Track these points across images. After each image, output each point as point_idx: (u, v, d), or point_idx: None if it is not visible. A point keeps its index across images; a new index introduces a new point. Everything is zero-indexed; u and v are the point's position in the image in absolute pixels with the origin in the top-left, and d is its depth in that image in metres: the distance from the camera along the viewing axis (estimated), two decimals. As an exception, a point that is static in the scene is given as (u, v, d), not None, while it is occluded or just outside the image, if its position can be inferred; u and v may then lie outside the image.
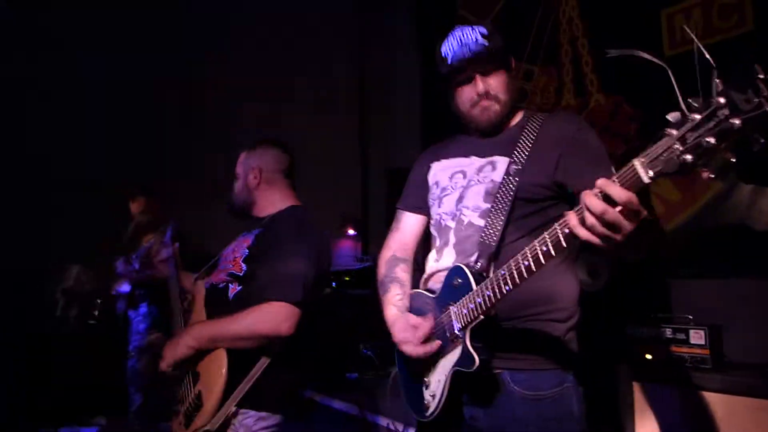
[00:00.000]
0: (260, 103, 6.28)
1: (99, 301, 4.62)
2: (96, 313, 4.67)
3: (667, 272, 3.73)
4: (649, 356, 2.64)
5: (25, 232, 4.68)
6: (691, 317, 2.64)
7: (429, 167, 1.87)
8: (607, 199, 1.03)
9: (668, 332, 2.61)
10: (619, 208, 1.02)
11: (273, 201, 2.17)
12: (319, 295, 2.05)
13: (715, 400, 2.34)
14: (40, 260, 4.60)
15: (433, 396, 1.55)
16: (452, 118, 1.83)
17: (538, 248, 1.23)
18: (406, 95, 6.87)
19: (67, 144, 5.01)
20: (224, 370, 1.81)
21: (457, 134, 1.87)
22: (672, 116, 0.95)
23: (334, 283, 6.35)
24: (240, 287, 1.97)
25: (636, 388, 2.61)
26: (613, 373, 2.69)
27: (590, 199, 1.04)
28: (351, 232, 7.36)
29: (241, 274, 1.98)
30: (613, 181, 1.03)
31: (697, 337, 2.51)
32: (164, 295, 3.87)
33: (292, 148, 2.33)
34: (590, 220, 1.05)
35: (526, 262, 1.26)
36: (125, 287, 3.97)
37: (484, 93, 1.64)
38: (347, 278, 6.25)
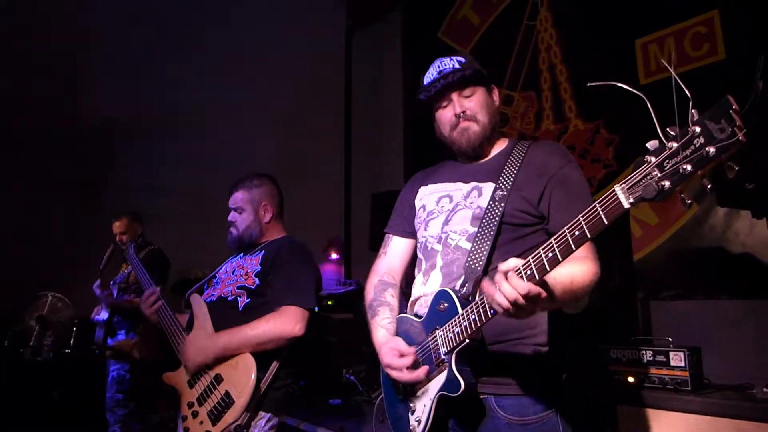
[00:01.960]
0: (246, 128, 6.30)
1: (75, 329, 4.53)
2: (71, 341, 4.57)
3: (646, 294, 3.79)
4: (631, 379, 2.65)
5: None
6: (670, 339, 2.66)
7: (416, 191, 1.89)
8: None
9: (648, 355, 2.62)
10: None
11: (273, 233, 2.40)
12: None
13: (695, 422, 2.35)
14: (14, 287, 4.51)
15: (419, 421, 1.54)
16: (435, 144, 1.87)
17: (523, 273, 1.24)
18: (390, 121, 6.93)
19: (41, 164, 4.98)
20: (254, 373, 1.98)
21: (447, 160, 1.91)
22: (650, 144, 0.98)
23: (317, 308, 6.28)
24: (249, 299, 2.16)
25: (619, 411, 2.61)
26: (595, 396, 2.70)
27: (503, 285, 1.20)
28: (334, 255, 7.34)
29: (253, 288, 2.17)
30: (594, 207, 1.06)
31: (676, 359, 2.53)
32: (143, 322, 3.84)
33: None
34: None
35: None
36: (103, 314, 3.89)
37: (462, 113, 1.68)
38: (330, 302, 6.21)
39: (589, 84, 1.24)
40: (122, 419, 3.79)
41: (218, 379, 2.06)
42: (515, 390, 1.51)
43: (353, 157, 7.65)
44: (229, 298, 2.19)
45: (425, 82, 1.73)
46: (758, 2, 3.57)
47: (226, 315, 2.14)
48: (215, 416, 1.99)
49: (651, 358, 2.61)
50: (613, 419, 2.61)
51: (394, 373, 1.56)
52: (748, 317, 3.04)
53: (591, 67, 4.56)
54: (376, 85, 7.40)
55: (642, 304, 3.58)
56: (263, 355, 2.04)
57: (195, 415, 2.06)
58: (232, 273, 2.29)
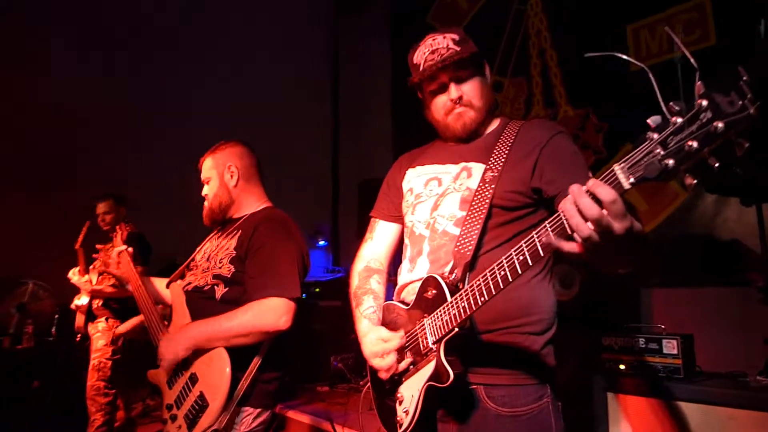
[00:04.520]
0: (234, 118, 6.19)
1: (56, 317, 4.45)
2: (53, 329, 4.50)
3: (636, 282, 3.77)
4: (622, 366, 2.62)
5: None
6: (663, 327, 2.64)
7: (404, 174, 1.81)
8: (597, 202, 0.96)
9: (641, 342, 2.60)
10: (605, 212, 0.96)
11: (250, 200, 2.16)
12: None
13: (688, 409, 2.33)
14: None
15: (406, 412, 1.48)
16: (423, 129, 1.79)
17: (515, 258, 1.18)
18: (377, 107, 6.86)
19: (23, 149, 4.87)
20: (228, 369, 1.81)
21: (436, 140, 1.83)
22: (652, 120, 0.92)
23: (304, 294, 6.24)
24: (227, 288, 1.97)
25: (610, 398, 2.59)
26: (587, 384, 2.67)
27: (583, 200, 0.96)
28: (322, 243, 7.28)
29: (229, 276, 1.97)
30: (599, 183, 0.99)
31: (669, 346, 2.51)
32: (124, 307, 3.77)
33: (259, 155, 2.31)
34: (578, 224, 0.98)
35: (503, 272, 1.21)
36: (83, 300, 3.80)
37: (458, 98, 1.60)
38: (317, 289, 6.16)
39: (590, 55, 1.17)
40: (103, 408, 3.72)
41: (193, 379, 1.89)
42: (505, 380, 1.45)
43: (340, 145, 7.58)
44: (204, 288, 2.00)
45: (416, 61, 1.64)
46: (751, -13, 3.53)
47: (204, 307, 1.96)
48: (191, 421, 1.83)
49: (643, 346, 2.59)
50: (604, 407, 2.59)
51: (377, 362, 1.50)
52: (737, 305, 3.04)
53: (582, 53, 4.50)
54: (363, 71, 7.31)
55: (631, 291, 3.56)
56: (242, 351, 1.85)
57: (174, 418, 1.90)
58: (207, 259, 2.09)
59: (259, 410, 1.91)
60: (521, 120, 1.71)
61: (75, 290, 3.92)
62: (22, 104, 4.95)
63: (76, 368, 3.96)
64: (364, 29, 7.34)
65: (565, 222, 1.03)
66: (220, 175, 2.15)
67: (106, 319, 3.86)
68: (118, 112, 5.44)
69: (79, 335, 3.87)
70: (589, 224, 0.97)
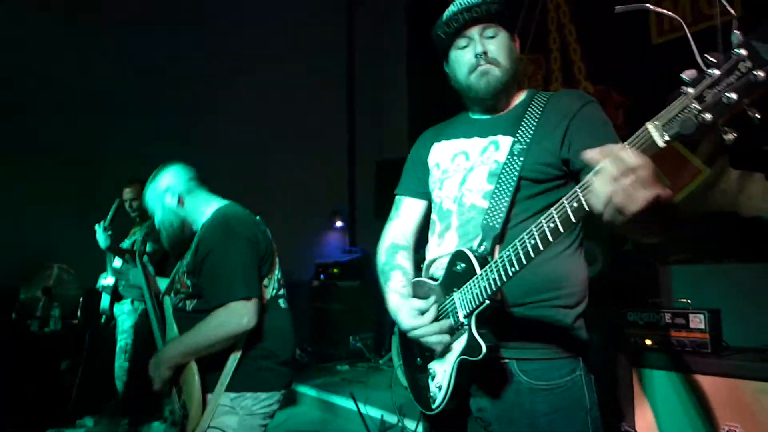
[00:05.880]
0: (251, 94, 6.19)
1: (81, 299, 4.52)
2: (78, 312, 4.57)
3: (657, 258, 3.72)
4: (648, 342, 2.60)
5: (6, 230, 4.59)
6: (689, 301, 2.60)
7: (429, 149, 1.77)
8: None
9: (667, 317, 2.56)
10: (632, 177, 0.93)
11: (200, 212, 2.16)
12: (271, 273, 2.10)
13: (715, 384, 2.31)
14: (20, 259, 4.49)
15: (439, 387, 1.46)
16: (441, 108, 1.75)
17: (545, 225, 1.15)
18: (394, 87, 6.82)
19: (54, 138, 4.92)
20: (197, 377, 1.93)
21: (461, 112, 1.78)
22: (687, 74, 0.88)
23: (322, 275, 6.30)
24: (195, 302, 2.04)
25: (635, 374, 2.57)
26: (612, 359, 2.65)
27: (605, 161, 0.94)
28: (339, 223, 7.30)
29: (190, 291, 2.05)
30: (624, 147, 0.97)
31: (696, 321, 2.47)
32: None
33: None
34: (604, 186, 0.95)
35: (533, 241, 1.18)
36: (109, 280, 3.85)
37: (482, 53, 1.54)
38: (335, 270, 6.19)
39: (618, 9, 1.13)
40: (131, 388, 3.79)
41: (179, 390, 2.00)
42: (538, 354, 1.43)
43: (357, 125, 7.55)
44: (179, 305, 2.09)
45: (445, 19, 1.59)
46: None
47: (182, 320, 2.05)
48: (183, 429, 1.96)
49: (669, 321, 2.55)
50: (629, 384, 2.58)
51: (418, 332, 1.47)
52: (760, 282, 2.98)
53: (602, 27, 4.41)
54: (379, 49, 7.26)
55: (653, 268, 3.52)
56: (216, 355, 1.92)
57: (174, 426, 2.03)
58: (177, 276, 2.15)
59: (260, 394, 1.97)
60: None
61: (99, 273, 3.98)
62: (46, 82, 4.98)
63: (103, 349, 4.02)
64: (380, 5, 7.28)
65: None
66: (160, 204, 2.17)
67: (132, 301, 3.91)
68: (145, 91, 5.45)
69: (104, 316, 3.92)
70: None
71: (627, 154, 0.93)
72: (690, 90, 0.88)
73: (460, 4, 1.56)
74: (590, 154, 0.98)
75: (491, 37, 1.56)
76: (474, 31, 1.56)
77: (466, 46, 1.58)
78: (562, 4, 4.85)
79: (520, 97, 1.66)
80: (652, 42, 4.20)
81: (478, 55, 1.54)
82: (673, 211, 1.09)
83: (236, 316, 1.85)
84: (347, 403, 4.08)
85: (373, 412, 3.87)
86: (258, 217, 2.16)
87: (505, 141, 1.55)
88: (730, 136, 0.84)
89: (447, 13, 1.60)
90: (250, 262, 1.96)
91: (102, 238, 3.72)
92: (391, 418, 3.75)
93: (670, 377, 2.45)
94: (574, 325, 1.47)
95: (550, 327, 1.44)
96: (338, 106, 7.51)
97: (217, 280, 1.92)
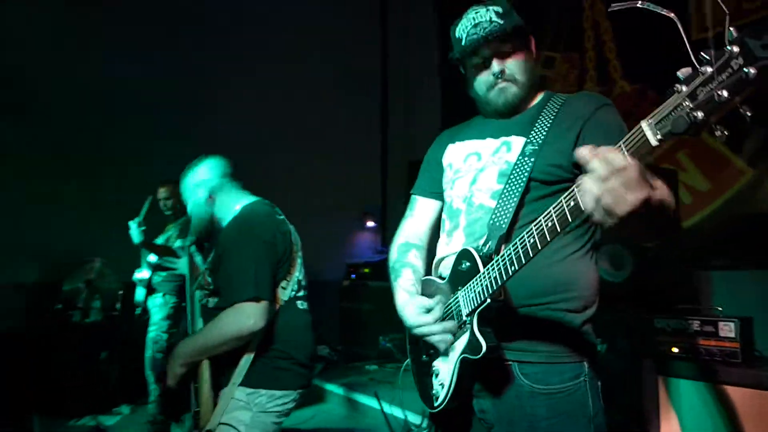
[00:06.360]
0: (283, 99, 6.27)
1: (120, 292, 4.69)
2: (118, 305, 4.75)
3: (695, 263, 3.59)
4: (675, 349, 2.51)
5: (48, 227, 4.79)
6: (720, 309, 2.50)
7: (444, 150, 1.78)
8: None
9: (696, 325, 2.47)
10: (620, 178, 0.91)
11: (228, 209, 2.17)
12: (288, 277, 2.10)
13: (745, 395, 2.21)
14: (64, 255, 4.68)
15: (442, 385, 1.47)
16: (472, 109, 1.75)
17: (543, 224, 1.15)
18: (426, 87, 6.81)
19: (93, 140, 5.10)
20: (207, 374, 1.98)
21: (476, 116, 1.79)
22: (682, 72, 0.86)
23: (353, 275, 6.34)
24: (216, 299, 2.08)
25: (661, 382, 2.49)
26: (638, 367, 2.58)
27: (594, 161, 0.93)
28: (370, 224, 7.32)
29: (212, 287, 2.09)
30: (619, 147, 0.95)
31: (726, 329, 2.37)
32: (183, 285, 3.92)
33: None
34: (593, 187, 0.94)
35: (532, 240, 1.18)
36: (144, 273, 3.99)
37: (500, 72, 1.55)
38: (366, 270, 6.22)
39: (613, 7, 1.10)
40: (161, 378, 3.90)
41: (196, 388, 2.05)
42: (541, 357, 1.41)
43: (389, 126, 7.56)
44: (203, 301, 2.15)
45: (458, 35, 1.59)
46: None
47: (206, 317, 2.10)
48: (197, 422, 2.02)
49: (698, 328, 2.46)
50: (655, 392, 2.50)
51: (422, 330, 1.49)
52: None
53: (639, 23, 4.29)
54: (411, 50, 7.25)
55: (688, 273, 3.40)
56: (231, 353, 1.94)
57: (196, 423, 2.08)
58: (204, 273, 2.20)
59: (276, 392, 1.98)
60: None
61: (136, 266, 4.12)
62: (85, 82, 5.13)
63: (139, 341, 4.16)
64: (411, 6, 7.28)
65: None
66: (193, 196, 2.22)
67: (164, 295, 4.05)
68: (179, 89, 5.58)
69: (138, 308, 4.06)
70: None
71: (614, 155, 0.92)
72: (683, 88, 0.86)
73: (474, 24, 1.55)
74: (581, 153, 0.96)
75: (508, 55, 1.56)
76: (489, 51, 1.55)
77: (482, 63, 1.58)
78: (598, 2, 4.74)
79: (536, 99, 1.65)
80: (691, 38, 4.06)
81: (495, 74, 1.56)
82: (668, 214, 1.06)
83: (243, 316, 1.86)
84: (373, 402, 4.09)
85: (399, 413, 3.87)
86: (282, 216, 2.17)
87: (518, 142, 1.54)
88: (720, 134, 0.81)
89: (460, 30, 1.58)
90: (264, 264, 1.96)
91: (136, 233, 3.84)
92: (416, 419, 3.74)
93: (698, 387, 2.37)
94: (580, 329, 1.45)
95: (554, 330, 1.42)
96: (371, 106, 7.54)
97: (229, 279, 1.95)
